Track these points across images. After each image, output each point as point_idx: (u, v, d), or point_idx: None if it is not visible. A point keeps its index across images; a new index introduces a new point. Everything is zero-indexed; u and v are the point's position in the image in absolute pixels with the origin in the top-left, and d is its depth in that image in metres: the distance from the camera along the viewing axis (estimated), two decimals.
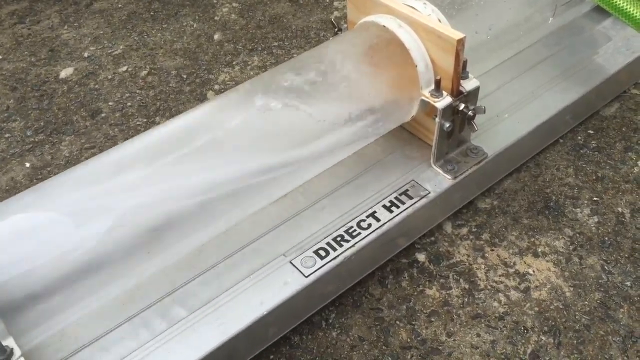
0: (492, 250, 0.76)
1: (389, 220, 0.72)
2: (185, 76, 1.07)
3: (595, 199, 0.81)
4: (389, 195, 0.75)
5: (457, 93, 0.73)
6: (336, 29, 0.86)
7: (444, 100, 0.72)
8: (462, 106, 0.73)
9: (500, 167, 0.83)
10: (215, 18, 1.21)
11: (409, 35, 0.73)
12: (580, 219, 0.79)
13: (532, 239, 0.77)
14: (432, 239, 0.78)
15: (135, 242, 0.57)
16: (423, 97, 0.73)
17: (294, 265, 0.67)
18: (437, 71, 0.73)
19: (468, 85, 0.73)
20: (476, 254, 0.75)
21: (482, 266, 0.74)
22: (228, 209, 0.65)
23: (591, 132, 0.91)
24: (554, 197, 0.82)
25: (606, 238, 0.76)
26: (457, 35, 0.69)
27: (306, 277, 0.66)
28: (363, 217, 0.72)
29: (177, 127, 0.66)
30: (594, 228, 0.77)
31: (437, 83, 0.72)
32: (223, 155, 0.64)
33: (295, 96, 0.68)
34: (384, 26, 0.73)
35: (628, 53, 0.94)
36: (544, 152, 0.88)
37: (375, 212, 0.73)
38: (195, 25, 1.19)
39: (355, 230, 0.71)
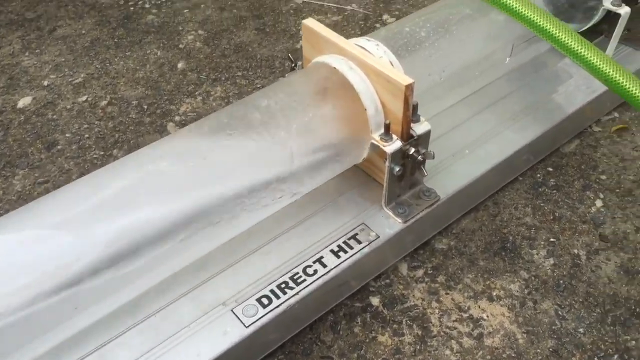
0: (447, 293, 0.76)
1: (335, 267, 0.72)
2: (146, 107, 1.07)
3: (552, 240, 0.81)
4: (337, 239, 0.75)
5: (407, 137, 0.73)
6: (293, 64, 0.87)
7: (393, 145, 0.72)
8: (412, 150, 0.73)
9: (455, 208, 0.83)
10: (180, 46, 1.21)
11: (359, 77, 0.73)
12: (536, 261, 0.79)
13: (488, 282, 0.77)
14: (388, 281, 0.78)
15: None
16: (373, 141, 0.73)
17: (234, 314, 0.66)
18: (387, 114, 0.73)
19: (419, 129, 0.74)
20: (431, 298, 0.75)
21: (437, 311, 0.74)
22: (173, 255, 0.65)
23: (550, 169, 0.91)
24: (510, 238, 0.82)
25: (561, 281, 0.77)
26: (406, 80, 0.69)
27: (247, 327, 0.65)
28: (310, 262, 0.72)
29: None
30: (549, 270, 0.78)
31: (387, 127, 0.72)
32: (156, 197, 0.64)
33: (239, 133, 0.68)
34: (335, 68, 0.74)
35: (588, 92, 0.94)
36: (503, 190, 0.88)
37: (322, 257, 0.73)
38: (159, 53, 1.19)
39: (300, 277, 0.70)
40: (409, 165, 0.76)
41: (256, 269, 0.71)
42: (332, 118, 0.73)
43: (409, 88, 0.69)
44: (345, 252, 0.73)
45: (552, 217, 0.84)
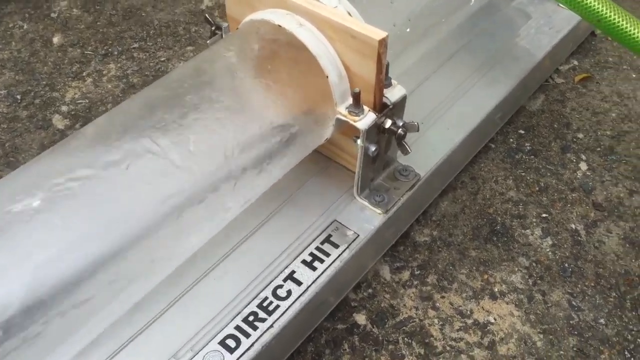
0: (443, 297, 0.63)
1: (313, 282, 0.56)
2: (19, 97, 0.84)
3: (544, 215, 0.71)
4: (308, 246, 0.59)
5: (380, 107, 0.59)
6: (213, 27, 0.68)
7: (367, 118, 0.57)
8: (388, 123, 0.59)
9: (434, 187, 0.70)
10: (52, 15, 0.97)
11: (314, 36, 0.57)
12: (533, 243, 0.68)
13: (486, 276, 0.65)
14: (370, 291, 0.63)
15: None
16: (339, 116, 0.58)
17: None
18: (353, 81, 0.58)
19: (392, 94, 0.59)
20: (425, 305, 0.62)
21: (436, 320, 0.61)
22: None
23: (522, 132, 0.80)
24: (499, 219, 0.70)
25: (566, 264, 0.66)
26: (378, 34, 0.54)
27: None
28: (279, 281, 0.56)
29: None
30: (550, 253, 0.67)
31: (356, 97, 0.57)
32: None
33: (163, 130, 0.50)
34: (279, 26, 0.57)
35: (552, 32, 0.84)
36: (477, 162, 0.76)
37: (293, 272, 0.57)
38: (25, 27, 0.95)
39: (271, 303, 0.54)
40: (384, 141, 0.61)
41: (211, 300, 0.55)
42: (282, 92, 0.57)
43: (383, 44, 0.54)
44: (322, 261, 0.58)
45: (537, 189, 0.73)
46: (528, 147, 0.78)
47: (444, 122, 0.71)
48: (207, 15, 0.68)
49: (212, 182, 0.52)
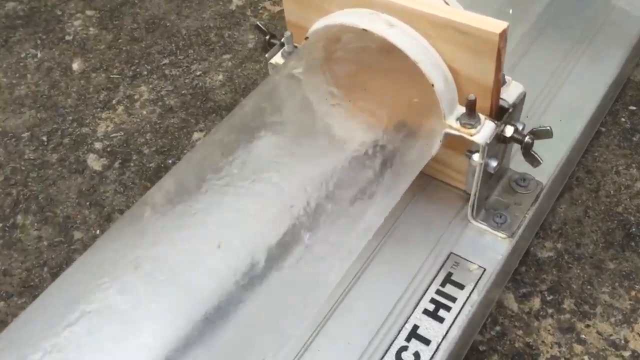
0: (588, 326, 0.53)
1: (443, 338, 0.46)
2: (45, 138, 0.75)
3: None
4: (427, 290, 0.49)
5: (497, 112, 0.48)
6: (268, 37, 0.58)
7: (485, 129, 0.47)
8: (510, 130, 0.48)
9: (555, 192, 0.60)
10: (67, 38, 0.87)
11: (410, 37, 0.46)
12: None
13: (633, 292, 0.55)
14: (498, 329, 0.53)
15: None
16: (449, 130, 0.47)
17: None
18: (461, 85, 0.47)
19: (509, 94, 0.49)
20: (568, 339, 0.52)
21: (586, 358, 0.51)
22: None
23: (633, 108, 0.69)
24: (632, 218, 0.59)
25: None
26: (496, 25, 0.43)
27: None
28: (401, 341, 0.47)
29: None
30: None
31: (471, 105, 0.46)
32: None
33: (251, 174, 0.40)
34: (365, 30, 0.46)
35: None
36: (589, 150, 0.65)
37: (416, 327, 0.47)
38: (39, 55, 0.85)
39: None
40: (502, 151, 0.51)
41: None
42: (377, 111, 0.46)
43: (503, 37, 0.44)
44: (448, 308, 0.48)
45: None
46: None
47: (554, 113, 0.60)
48: (258, 23, 0.58)
49: (307, 227, 0.42)
